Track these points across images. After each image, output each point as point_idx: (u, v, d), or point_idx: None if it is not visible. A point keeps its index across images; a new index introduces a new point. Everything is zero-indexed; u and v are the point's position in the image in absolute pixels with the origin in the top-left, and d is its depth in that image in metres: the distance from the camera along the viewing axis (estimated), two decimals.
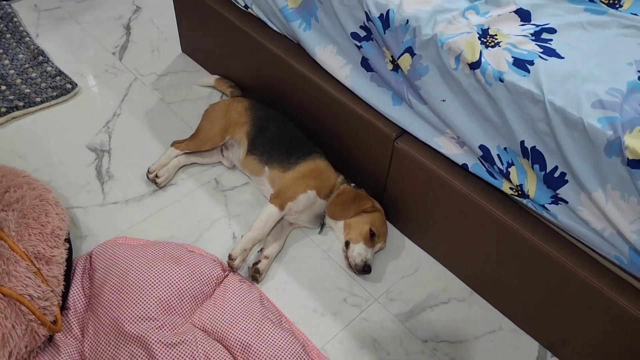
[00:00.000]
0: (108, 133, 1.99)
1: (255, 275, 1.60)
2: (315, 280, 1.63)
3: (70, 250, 1.53)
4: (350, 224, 1.66)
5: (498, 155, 1.36)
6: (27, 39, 2.30)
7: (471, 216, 1.47)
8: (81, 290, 1.48)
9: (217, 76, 2.17)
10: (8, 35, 2.31)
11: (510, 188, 1.38)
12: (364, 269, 1.59)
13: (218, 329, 1.41)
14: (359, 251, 1.61)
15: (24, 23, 2.39)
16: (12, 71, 2.15)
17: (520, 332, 1.55)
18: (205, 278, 1.50)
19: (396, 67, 1.51)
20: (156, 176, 1.82)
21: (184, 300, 1.45)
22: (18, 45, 2.27)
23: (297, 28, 1.72)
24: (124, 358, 1.33)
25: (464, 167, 1.46)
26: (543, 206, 1.32)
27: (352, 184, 1.73)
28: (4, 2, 2.45)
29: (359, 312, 1.57)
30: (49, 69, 2.17)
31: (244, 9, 1.92)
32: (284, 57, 1.79)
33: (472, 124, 1.38)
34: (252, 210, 1.79)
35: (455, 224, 1.55)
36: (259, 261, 1.62)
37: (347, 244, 1.65)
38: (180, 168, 1.89)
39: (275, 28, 1.85)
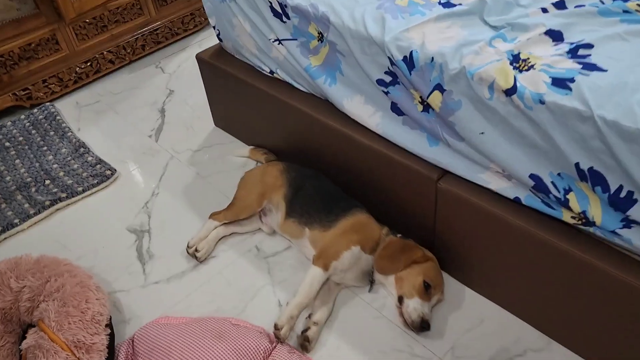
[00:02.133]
0: (147, 213, 1.99)
1: (304, 344, 1.49)
2: (370, 342, 1.50)
3: (112, 336, 1.48)
4: (402, 278, 1.54)
5: (552, 182, 1.24)
6: (69, 133, 2.38)
7: (534, 253, 1.33)
8: None
9: (252, 146, 2.16)
10: (52, 133, 2.40)
11: (572, 217, 1.25)
12: (422, 326, 1.45)
13: None
14: (414, 306, 1.48)
15: (66, 119, 2.50)
16: (55, 165, 2.22)
17: None
18: (251, 352, 1.40)
19: (427, 107, 1.45)
20: (196, 250, 1.77)
21: None
22: (61, 140, 2.35)
23: (323, 84, 1.70)
24: None
25: (517, 200, 1.34)
26: (614, 232, 1.18)
27: (399, 235, 1.63)
28: (48, 103, 2.58)
29: None
30: (89, 158, 2.23)
31: (269, 74, 1.93)
32: (314, 115, 1.76)
33: (517, 152, 1.28)
34: (296, 274, 1.70)
35: (518, 264, 1.41)
36: (308, 328, 1.51)
37: (400, 299, 1.52)
38: (220, 240, 1.84)
39: (302, 88, 1.84)
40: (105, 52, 2.73)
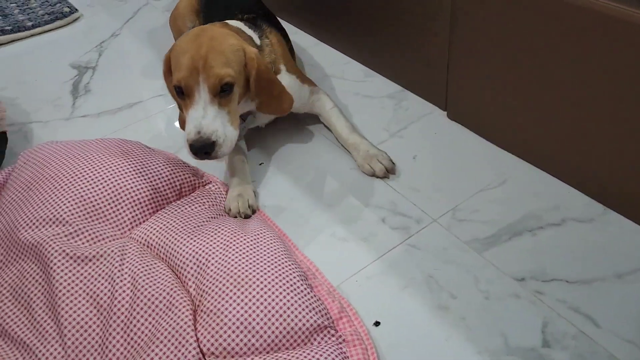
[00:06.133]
0: (99, 52, 1.61)
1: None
2: (337, 194, 1.05)
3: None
4: None
5: None
6: None
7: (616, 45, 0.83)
8: None
9: None
10: None
11: None
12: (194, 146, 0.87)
13: (167, 244, 0.88)
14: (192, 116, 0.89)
15: None
16: (13, 4, 1.87)
17: None
18: (164, 180, 0.99)
19: None
20: None
21: (124, 205, 0.94)
22: None
23: None
24: (9, 280, 0.83)
25: None
26: None
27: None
28: None
29: (405, 237, 0.96)
30: None
31: None
32: None
33: None
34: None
35: (570, 87, 0.91)
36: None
37: None
38: None
39: None
40: None
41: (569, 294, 0.83)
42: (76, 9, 1.80)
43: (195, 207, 0.96)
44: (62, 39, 1.70)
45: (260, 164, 1.14)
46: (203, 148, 0.87)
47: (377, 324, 0.83)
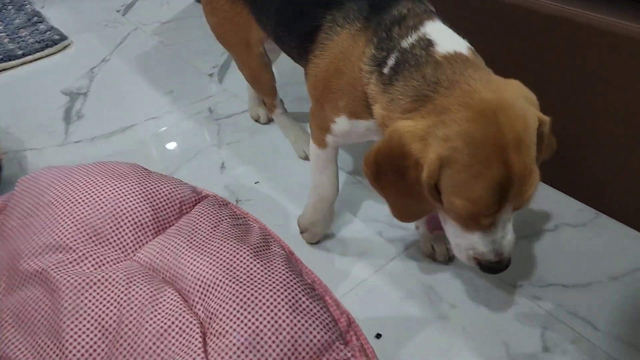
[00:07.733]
0: (90, 78, 1.62)
1: None
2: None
3: None
4: None
5: None
6: (28, 6, 2.05)
7: None
8: None
9: None
10: (10, 7, 2.08)
11: None
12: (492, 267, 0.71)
13: (171, 267, 0.88)
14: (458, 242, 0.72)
15: None
16: (2, 34, 1.88)
17: None
18: (164, 198, 1.00)
19: None
20: None
21: (125, 227, 0.94)
22: (17, 13, 2.02)
23: None
24: (11, 307, 0.83)
25: None
26: None
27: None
28: None
29: (402, 249, 0.97)
30: (41, 27, 1.88)
31: None
32: None
33: None
34: (251, 137, 1.29)
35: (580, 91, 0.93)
36: None
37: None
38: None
39: None
40: None
41: (566, 299, 0.85)
42: (66, 37, 1.82)
43: (197, 223, 0.96)
44: (53, 66, 1.71)
45: (256, 183, 1.15)
46: (503, 269, 0.70)
47: (378, 336, 0.83)
